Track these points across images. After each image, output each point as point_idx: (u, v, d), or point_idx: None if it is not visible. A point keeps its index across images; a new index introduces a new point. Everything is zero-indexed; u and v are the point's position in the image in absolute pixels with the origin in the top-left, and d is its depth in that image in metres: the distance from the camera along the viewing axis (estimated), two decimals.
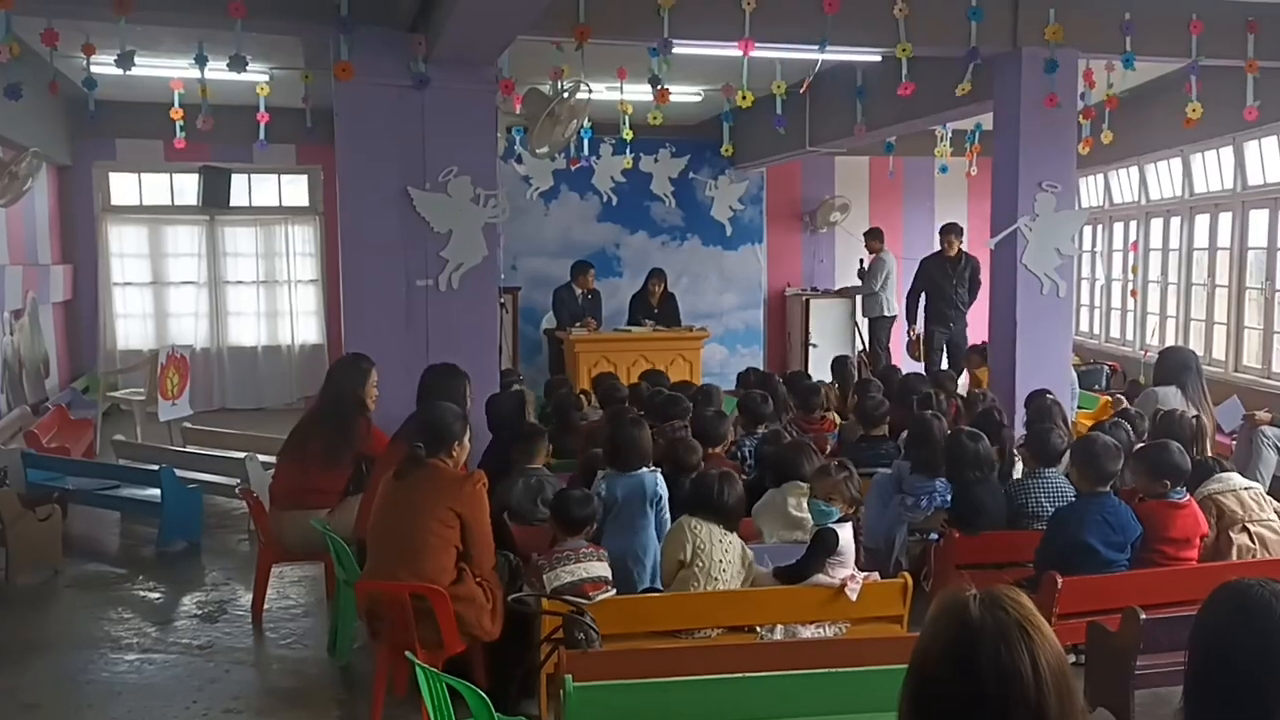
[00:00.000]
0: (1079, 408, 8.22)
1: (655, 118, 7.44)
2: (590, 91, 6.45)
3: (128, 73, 6.10)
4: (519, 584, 4.37)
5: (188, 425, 8.58)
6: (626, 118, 8.59)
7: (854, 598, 4.12)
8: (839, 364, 8.83)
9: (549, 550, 4.18)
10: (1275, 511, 4.95)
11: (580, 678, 3.33)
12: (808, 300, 12.63)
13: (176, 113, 7.57)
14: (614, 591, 4.18)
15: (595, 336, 10.30)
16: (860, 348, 12.14)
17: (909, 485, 5.43)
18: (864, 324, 12.16)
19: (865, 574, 4.25)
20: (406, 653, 3.35)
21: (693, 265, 12.43)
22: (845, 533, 4.25)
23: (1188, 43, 6.97)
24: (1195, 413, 6.16)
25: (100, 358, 11.10)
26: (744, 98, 6.78)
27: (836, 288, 12.94)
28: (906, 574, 4.44)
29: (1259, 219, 8.75)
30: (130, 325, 11.63)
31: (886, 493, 5.70)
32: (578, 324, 10.29)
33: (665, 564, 4.32)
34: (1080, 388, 9.29)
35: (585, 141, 9.65)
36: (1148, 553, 4.55)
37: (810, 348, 12.41)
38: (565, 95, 6.32)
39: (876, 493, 5.74)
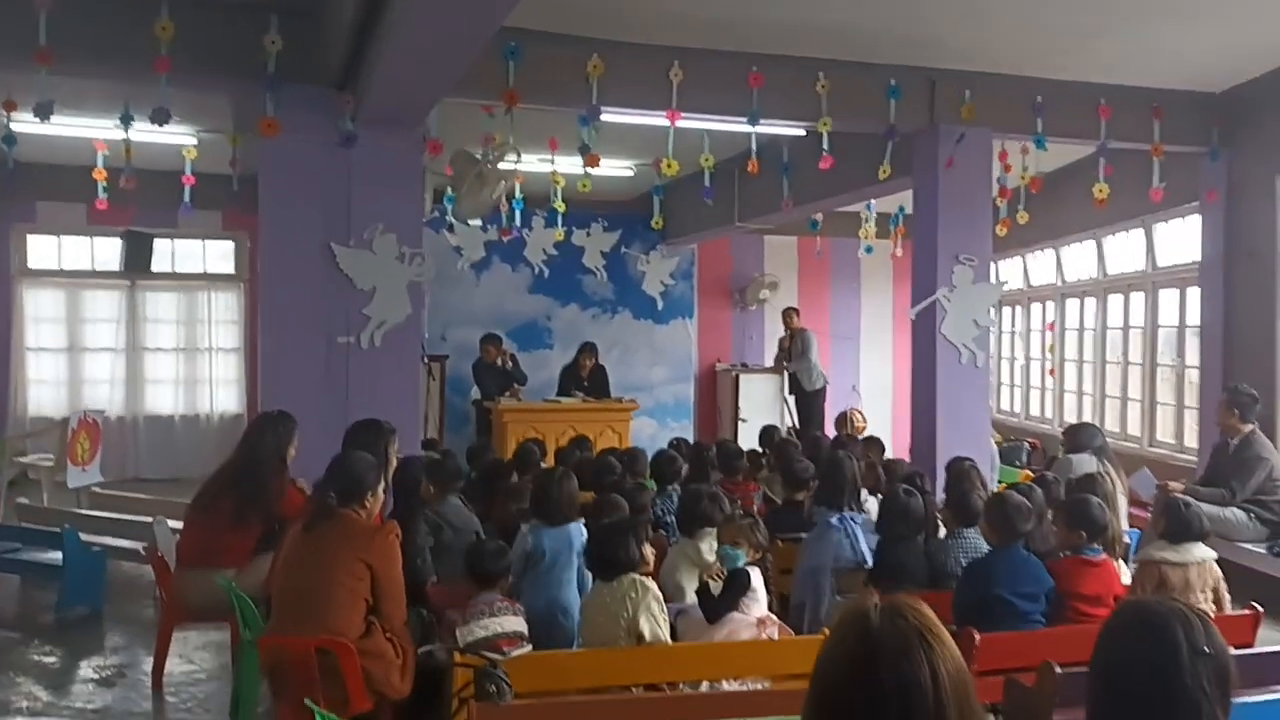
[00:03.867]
0: (999, 481, 8.34)
1: (585, 185, 7.51)
2: (519, 156, 6.51)
3: (48, 129, 6.03)
4: (432, 640, 4.25)
5: (96, 490, 8.29)
6: (558, 189, 8.68)
7: (775, 635, 4.07)
8: (766, 433, 8.86)
9: (464, 605, 4.07)
10: (1214, 590, 4.80)
11: None
12: (737, 375, 12.72)
13: (100, 173, 7.46)
14: (529, 648, 4.08)
15: (523, 406, 10.26)
16: (790, 424, 12.22)
17: (822, 523, 5.49)
18: (792, 400, 12.27)
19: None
20: (307, 700, 3.20)
21: (624, 338, 12.50)
22: (756, 576, 4.25)
23: (1097, 126, 7.28)
24: (1112, 476, 6.28)
25: (9, 423, 10.72)
26: (669, 165, 6.90)
27: (766, 364, 13.07)
28: (828, 629, 4.41)
29: (1169, 298, 9.06)
30: (43, 391, 11.28)
31: (814, 551, 5.72)
32: (505, 394, 10.22)
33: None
34: (1002, 463, 9.45)
35: (518, 213, 9.71)
36: (1063, 609, 4.57)
37: (740, 422, 12.47)
38: (493, 158, 6.36)
39: (805, 553, 5.76)
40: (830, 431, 11.31)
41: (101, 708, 4.78)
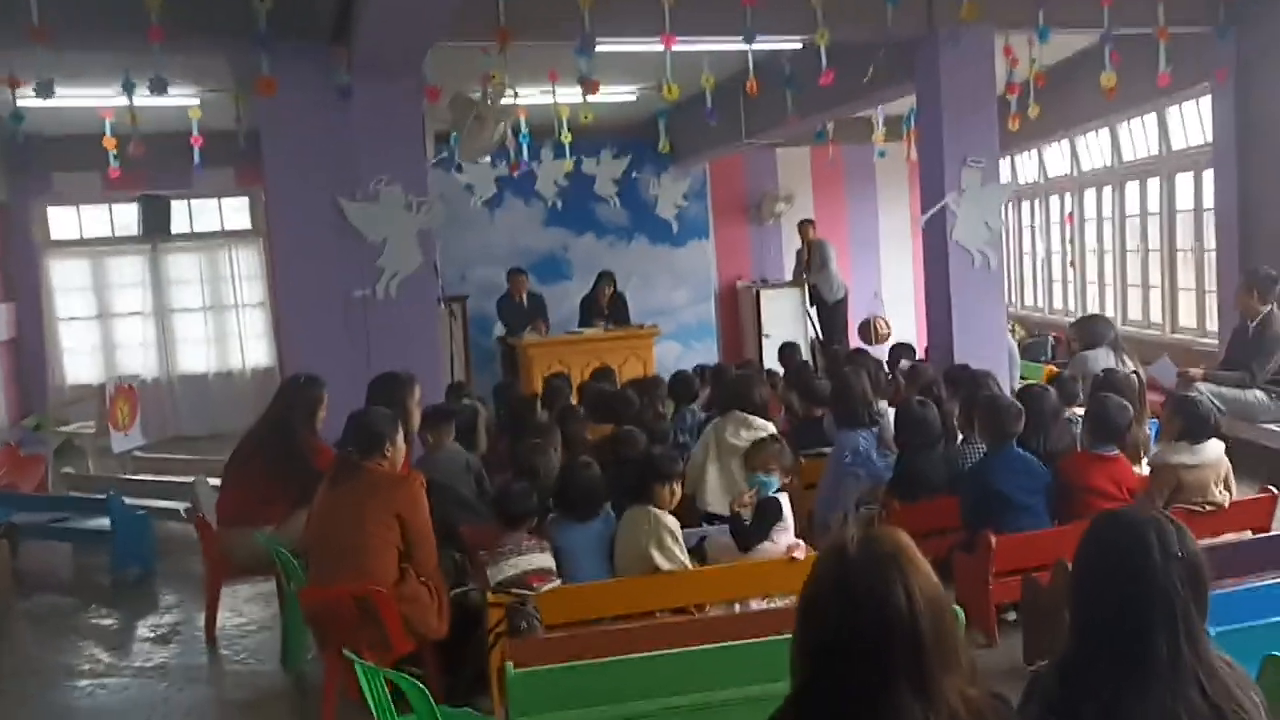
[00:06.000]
0: (1022, 378, 8.37)
1: (587, 116, 7.48)
2: (515, 93, 6.50)
3: (51, 103, 6.08)
4: (465, 580, 4.41)
5: (138, 454, 8.53)
6: (564, 120, 8.63)
7: (802, 557, 4.19)
8: (786, 351, 8.92)
9: (492, 546, 4.22)
10: (1226, 486, 4.76)
11: (524, 664, 3.38)
12: (758, 292, 12.73)
13: (109, 141, 7.52)
14: (559, 582, 4.23)
15: (547, 340, 10.36)
16: (813, 336, 12.26)
17: (839, 444, 5.58)
18: (814, 312, 12.29)
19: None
20: (346, 651, 3.37)
21: (642, 264, 12.51)
22: (785, 503, 4.35)
23: (1100, 13, 7.12)
24: (1134, 368, 6.32)
25: (49, 394, 10.99)
26: (670, 91, 6.86)
27: (786, 278, 13.05)
28: None
29: (1185, 182, 8.94)
30: (78, 360, 11.52)
31: (834, 469, 5.84)
32: (528, 328, 10.33)
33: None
34: (1026, 359, 9.48)
35: (525, 147, 9.69)
36: (1076, 504, 4.65)
37: (764, 338, 12.51)
38: (491, 97, 6.36)
39: (828, 470, 5.88)
40: (855, 340, 11.38)
41: (160, 664, 5.02)
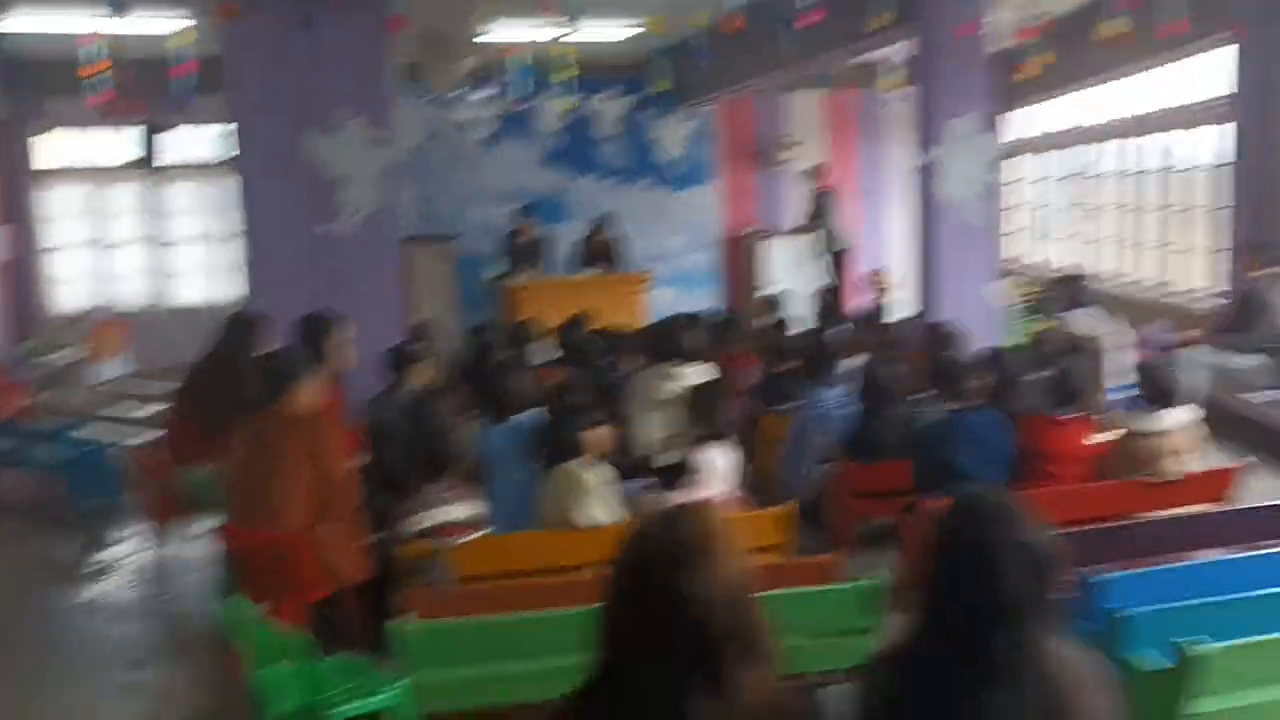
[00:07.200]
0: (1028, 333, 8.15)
1: (571, 52, 7.26)
2: (488, 28, 6.31)
3: (40, 27, 5.93)
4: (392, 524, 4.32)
5: (118, 384, 8.52)
6: (561, 58, 8.35)
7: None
8: (768, 302, 8.72)
9: (411, 492, 4.12)
10: (1188, 456, 4.54)
11: (426, 617, 3.30)
12: (763, 239, 12.49)
13: (96, 67, 7.36)
14: (487, 532, 4.13)
15: (535, 283, 10.22)
16: (827, 283, 12.00)
17: (807, 401, 5.45)
18: (826, 258, 12.01)
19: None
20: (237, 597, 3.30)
21: (643, 207, 12.27)
22: (710, 457, 4.23)
23: None
24: (1108, 331, 6.15)
25: (41, 321, 11.00)
26: (654, 24, 6.65)
27: (794, 226, 12.78)
28: (791, 503, 4.41)
29: (1198, 137, 8.59)
30: (71, 287, 11.50)
31: (799, 426, 5.70)
32: (524, 270, 10.23)
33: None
34: (1037, 315, 9.22)
35: (524, 83, 9.47)
36: (1030, 469, 4.51)
37: (768, 287, 12.28)
38: (462, 30, 6.17)
39: (793, 426, 5.75)
40: (858, 291, 11.12)
41: (92, 599, 5.02)
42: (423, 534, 3.99)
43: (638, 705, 1.65)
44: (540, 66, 9.35)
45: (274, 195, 6.06)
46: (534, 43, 7.92)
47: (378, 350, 5.49)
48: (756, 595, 1.71)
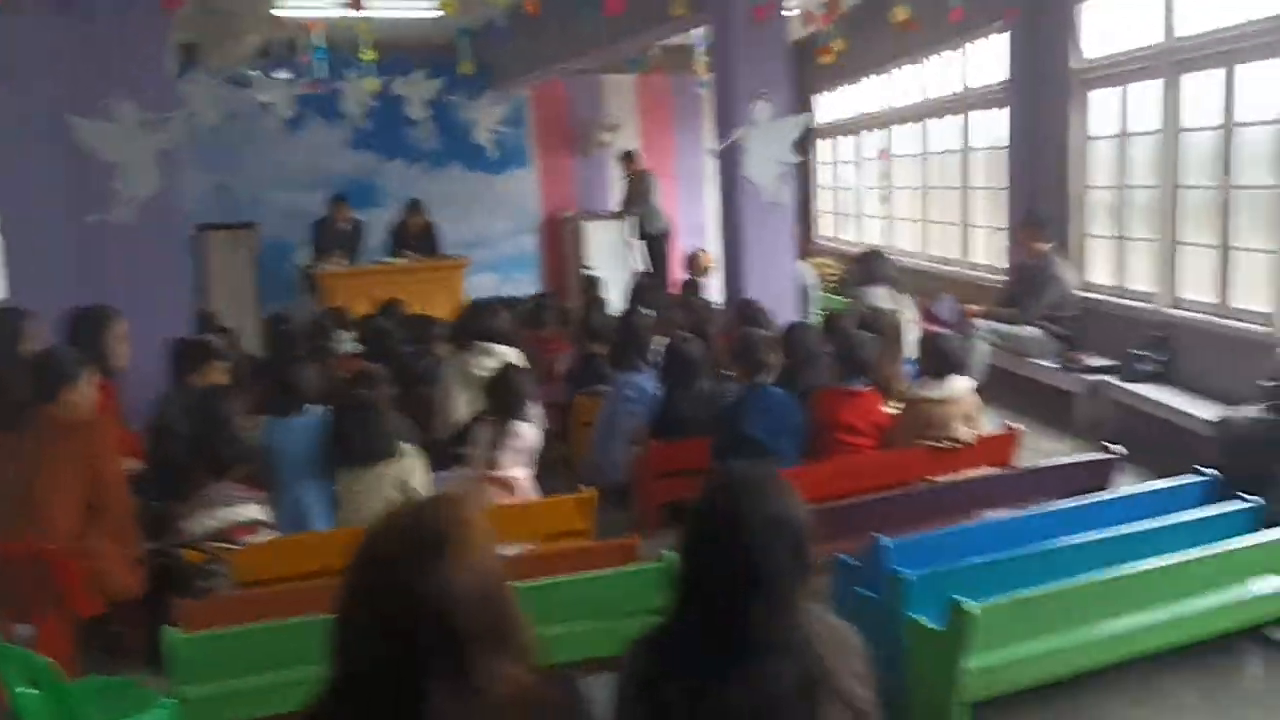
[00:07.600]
0: (824, 309, 8.40)
1: (363, 30, 7.01)
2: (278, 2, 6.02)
3: None
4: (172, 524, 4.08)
5: None
6: (361, 38, 8.03)
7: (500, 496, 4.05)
8: (587, 284, 8.72)
9: (192, 494, 3.91)
10: (973, 422, 4.79)
11: (199, 627, 3.12)
12: (581, 224, 12.46)
13: None
14: (273, 534, 3.95)
15: (348, 270, 9.92)
16: (642, 267, 12.07)
17: (615, 384, 5.47)
18: (638, 245, 12.10)
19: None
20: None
21: (457, 191, 12.08)
22: (514, 436, 4.19)
23: None
24: (906, 306, 6.39)
25: None
26: (447, 5, 6.48)
27: (610, 210, 12.81)
28: (591, 489, 4.40)
29: (982, 120, 9.01)
30: None
31: (608, 408, 5.71)
32: (333, 258, 9.88)
33: None
34: (839, 293, 9.52)
35: (324, 63, 9.09)
36: (824, 440, 4.63)
37: (586, 271, 12.28)
38: (246, 7, 5.86)
39: (602, 409, 5.75)
40: (679, 273, 11.22)
41: None
42: (205, 536, 3.79)
43: (377, 712, 1.57)
44: (338, 46, 9.00)
45: (36, 184, 5.62)
46: (326, 20, 7.61)
47: (164, 345, 5.20)
48: (509, 585, 1.65)
